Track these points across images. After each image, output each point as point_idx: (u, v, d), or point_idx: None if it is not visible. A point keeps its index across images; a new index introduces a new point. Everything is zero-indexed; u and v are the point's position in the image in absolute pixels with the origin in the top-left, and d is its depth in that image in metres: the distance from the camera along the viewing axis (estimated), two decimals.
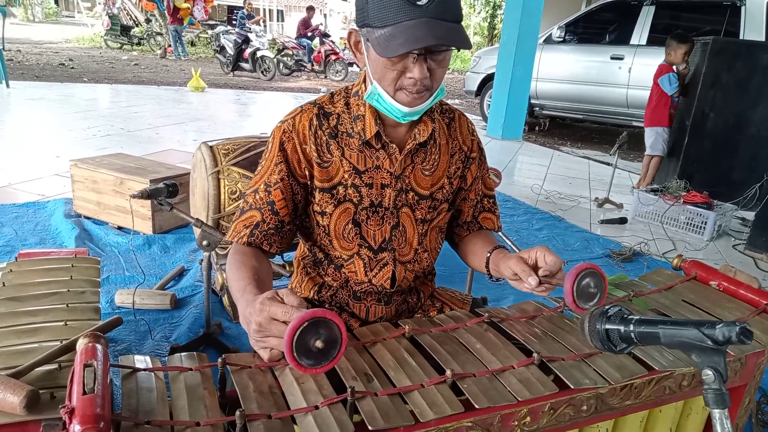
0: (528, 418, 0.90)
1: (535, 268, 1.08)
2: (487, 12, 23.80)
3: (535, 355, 0.97)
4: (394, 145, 1.17)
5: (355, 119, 1.16)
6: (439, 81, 1.08)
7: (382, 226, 1.21)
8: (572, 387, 0.92)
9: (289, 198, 1.16)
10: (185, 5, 14.41)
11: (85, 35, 18.87)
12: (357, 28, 1.08)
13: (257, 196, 1.15)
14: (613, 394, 0.97)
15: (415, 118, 1.13)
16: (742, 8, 6.14)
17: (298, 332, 0.77)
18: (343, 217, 1.19)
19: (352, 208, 1.18)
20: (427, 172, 1.23)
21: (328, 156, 1.16)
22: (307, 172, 1.17)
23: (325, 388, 0.85)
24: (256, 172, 1.19)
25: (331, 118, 1.18)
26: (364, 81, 1.17)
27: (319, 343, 0.79)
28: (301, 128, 1.16)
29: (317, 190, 1.17)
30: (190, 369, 0.86)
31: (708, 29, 6.22)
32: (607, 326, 0.77)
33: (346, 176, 1.17)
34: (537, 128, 8.63)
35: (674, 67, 4.74)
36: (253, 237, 1.14)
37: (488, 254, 1.22)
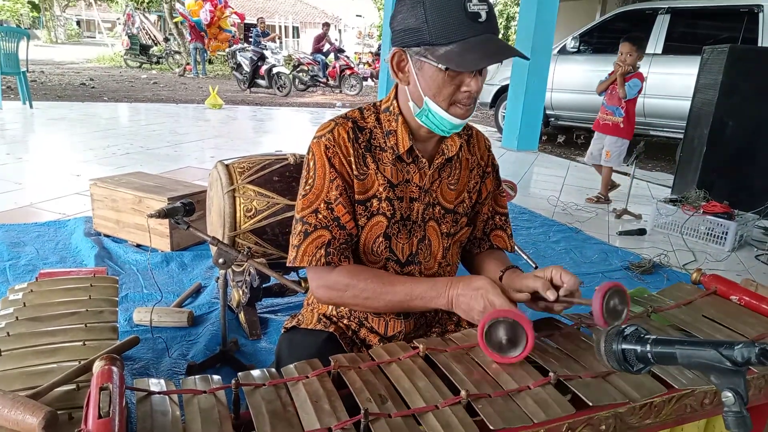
0: None
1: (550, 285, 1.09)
2: (501, 24, 23.92)
3: (551, 374, 0.95)
4: (424, 160, 1.20)
5: (388, 134, 1.19)
6: (480, 93, 1.13)
7: (410, 239, 1.23)
8: (591, 404, 0.91)
9: (351, 211, 1.18)
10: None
11: (106, 55, 19.31)
12: (403, 49, 1.11)
13: (320, 216, 1.16)
14: (632, 413, 0.95)
15: (458, 130, 1.17)
16: (760, 15, 6.04)
17: (488, 325, 0.97)
18: (374, 230, 1.20)
19: (384, 221, 1.20)
20: (452, 187, 1.25)
21: (365, 169, 1.19)
22: (353, 183, 1.18)
23: (338, 409, 0.84)
24: (305, 192, 1.18)
25: (364, 132, 1.20)
26: (396, 98, 1.20)
27: (504, 338, 0.97)
28: (341, 141, 1.17)
29: None
30: (204, 392, 0.86)
31: (725, 36, 6.15)
32: (624, 346, 0.76)
33: (380, 189, 1.19)
34: (557, 139, 8.57)
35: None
36: (330, 256, 1.15)
37: (501, 273, 1.23)
